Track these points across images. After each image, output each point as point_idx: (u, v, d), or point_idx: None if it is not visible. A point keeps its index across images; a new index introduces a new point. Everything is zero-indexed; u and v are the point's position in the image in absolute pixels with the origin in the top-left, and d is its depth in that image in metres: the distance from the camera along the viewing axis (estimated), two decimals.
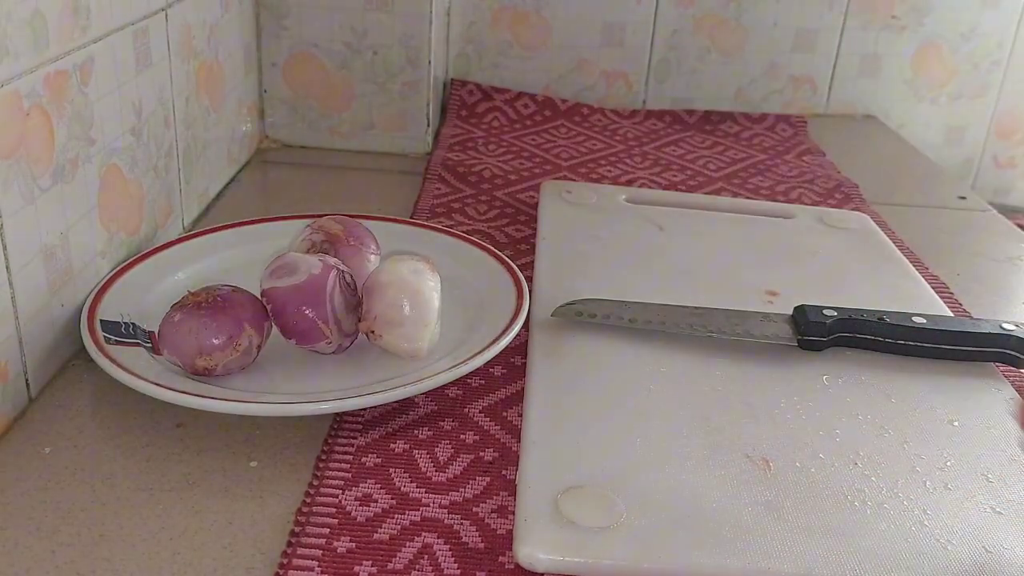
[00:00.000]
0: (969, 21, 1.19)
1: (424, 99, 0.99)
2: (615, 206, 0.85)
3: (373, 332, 0.59)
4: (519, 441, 0.54)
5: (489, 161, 0.99)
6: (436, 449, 0.55)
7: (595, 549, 0.45)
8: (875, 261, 0.78)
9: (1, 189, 0.52)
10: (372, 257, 0.66)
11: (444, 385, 0.58)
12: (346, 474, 0.52)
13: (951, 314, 0.69)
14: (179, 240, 0.71)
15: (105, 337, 0.58)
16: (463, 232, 0.76)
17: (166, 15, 0.72)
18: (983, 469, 0.53)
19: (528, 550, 0.45)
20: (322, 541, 0.47)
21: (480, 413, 0.58)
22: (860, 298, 0.69)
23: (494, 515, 0.50)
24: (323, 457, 0.53)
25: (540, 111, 1.14)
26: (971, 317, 0.72)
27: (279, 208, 0.87)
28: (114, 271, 0.65)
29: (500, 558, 0.47)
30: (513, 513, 0.49)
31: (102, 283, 0.63)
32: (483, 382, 0.61)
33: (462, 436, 0.56)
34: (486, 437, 0.56)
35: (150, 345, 0.58)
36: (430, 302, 0.59)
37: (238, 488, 0.51)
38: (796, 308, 0.65)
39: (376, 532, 0.48)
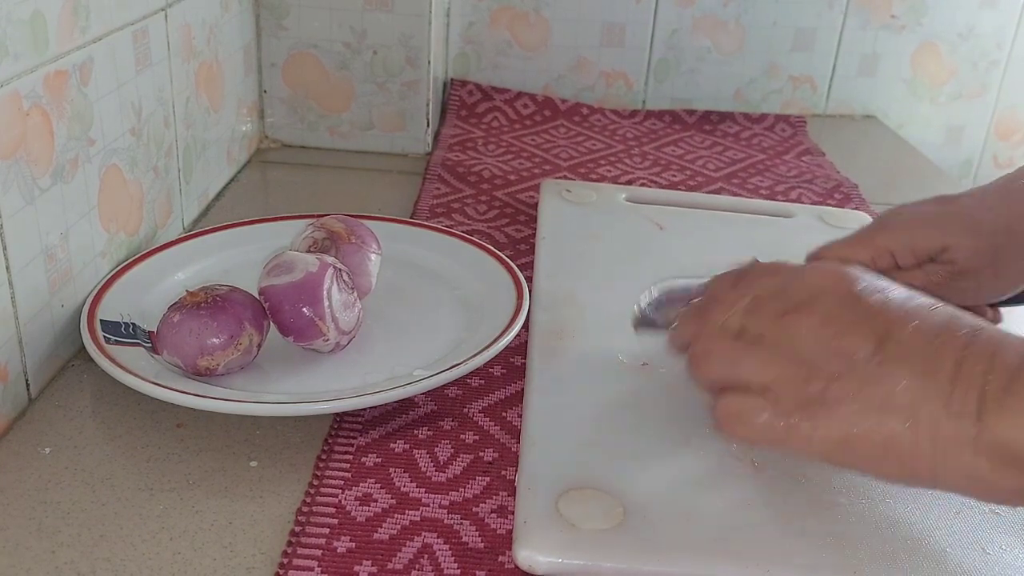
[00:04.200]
0: (967, 21, 1.19)
1: (424, 99, 0.99)
2: (615, 206, 0.85)
3: None
4: (519, 441, 0.54)
5: (489, 161, 0.99)
6: (436, 449, 0.55)
7: (595, 551, 0.45)
8: None
9: (1, 189, 0.52)
10: (373, 256, 0.66)
11: (444, 385, 0.58)
12: (346, 474, 0.52)
13: None
14: (179, 240, 0.71)
15: (105, 337, 0.58)
16: (463, 232, 0.76)
17: (166, 15, 0.72)
18: None
19: (527, 552, 0.45)
20: (322, 541, 0.47)
21: (480, 413, 0.58)
22: None
23: (494, 515, 0.50)
24: (323, 457, 0.53)
25: (540, 111, 1.14)
26: None
27: (279, 208, 0.87)
28: (114, 271, 0.65)
29: (500, 558, 0.47)
30: (513, 513, 0.49)
31: (102, 283, 0.63)
32: (483, 382, 0.61)
33: (462, 436, 0.56)
34: (486, 437, 0.56)
35: (150, 345, 0.58)
36: None
37: (238, 488, 0.51)
38: None
39: (376, 532, 0.48)
